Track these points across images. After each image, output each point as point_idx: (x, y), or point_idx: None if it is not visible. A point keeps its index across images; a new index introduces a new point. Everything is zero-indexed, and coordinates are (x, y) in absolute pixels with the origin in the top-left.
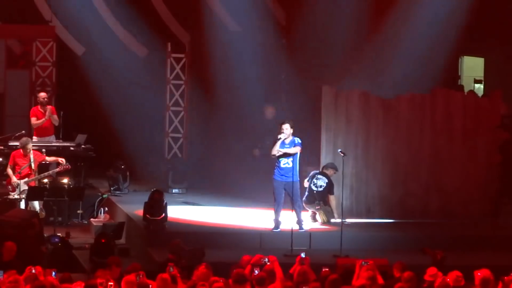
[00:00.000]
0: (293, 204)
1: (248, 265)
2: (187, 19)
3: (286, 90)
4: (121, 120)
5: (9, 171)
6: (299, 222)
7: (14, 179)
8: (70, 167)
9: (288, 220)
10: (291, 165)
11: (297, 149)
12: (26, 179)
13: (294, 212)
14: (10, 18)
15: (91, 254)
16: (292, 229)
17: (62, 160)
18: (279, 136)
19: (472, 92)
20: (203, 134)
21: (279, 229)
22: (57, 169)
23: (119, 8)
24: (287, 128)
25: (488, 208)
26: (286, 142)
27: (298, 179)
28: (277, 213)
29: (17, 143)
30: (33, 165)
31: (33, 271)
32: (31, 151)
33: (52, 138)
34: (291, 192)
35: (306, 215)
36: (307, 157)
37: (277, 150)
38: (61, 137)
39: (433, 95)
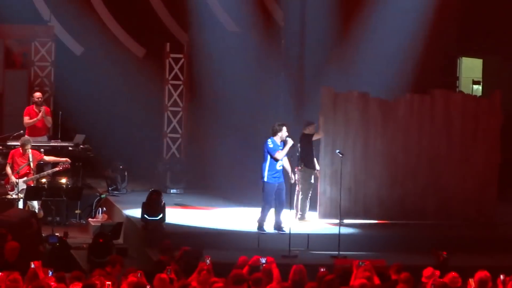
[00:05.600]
0: (277, 204)
1: (245, 265)
2: (185, 19)
3: (284, 90)
4: (120, 120)
5: (8, 170)
6: (278, 223)
7: (12, 178)
8: (69, 166)
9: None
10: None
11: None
12: (24, 178)
13: (275, 213)
14: (8, 18)
15: (89, 254)
16: (289, 230)
17: (66, 159)
18: (290, 140)
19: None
20: (201, 134)
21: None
22: (57, 168)
23: (118, 8)
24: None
25: (486, 209)
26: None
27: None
28: (265, 214)
29: (15, 143)
30: (31, 164)
31: (32, 266)
32: (30, 150)
33: (45, 138)
34: (279, 193)
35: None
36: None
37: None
38: (59, 137)
39: (432, 96)
